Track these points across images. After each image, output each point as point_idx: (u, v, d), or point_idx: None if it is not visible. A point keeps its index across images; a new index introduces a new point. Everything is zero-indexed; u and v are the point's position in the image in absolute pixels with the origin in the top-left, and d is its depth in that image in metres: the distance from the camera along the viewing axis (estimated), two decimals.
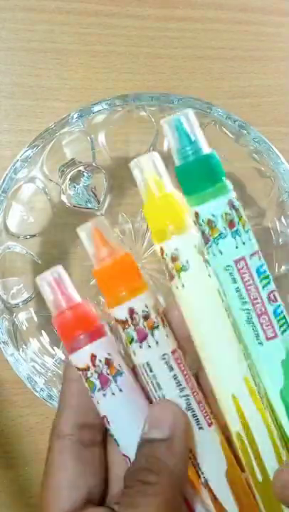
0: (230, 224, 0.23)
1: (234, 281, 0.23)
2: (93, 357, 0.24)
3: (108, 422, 0.25)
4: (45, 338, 0.39)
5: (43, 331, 0.39)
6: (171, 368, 0.24)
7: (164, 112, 0.38)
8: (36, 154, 0.37)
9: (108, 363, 0.24)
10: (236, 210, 0.23)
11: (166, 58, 0.43)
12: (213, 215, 0.23)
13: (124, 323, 0.24)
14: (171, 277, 0.24)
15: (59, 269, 0.26)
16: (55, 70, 0.42)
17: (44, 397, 0.36)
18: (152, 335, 0.24)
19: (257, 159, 0.38)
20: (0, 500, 0.40)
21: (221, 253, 0.23)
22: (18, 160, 0.36)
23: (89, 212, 0.40)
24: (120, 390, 0.24)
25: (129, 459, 0.24)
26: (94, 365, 0.24)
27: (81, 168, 0.38)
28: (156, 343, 0.24)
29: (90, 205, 0.39)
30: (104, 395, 0.24)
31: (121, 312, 0.24)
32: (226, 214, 0.23)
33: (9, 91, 0.42)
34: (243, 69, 0.44)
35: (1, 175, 0.36)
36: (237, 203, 0.23)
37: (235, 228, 0.23)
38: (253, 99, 0.44)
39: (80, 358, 0.24)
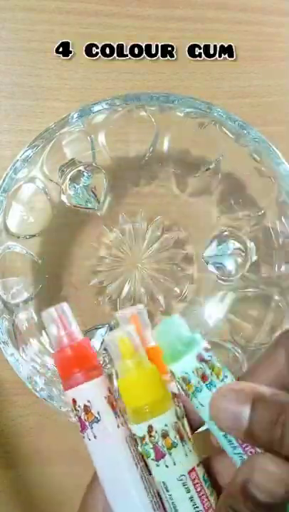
0: (203, 377, 0.24)
1: (188, 491, 0.24)
2: (74, 401, 0.25)
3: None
4: (45, 338, 0.39)
5: (43, 331, 0.39)
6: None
7: (164, 112, 0.38)
8: (36, 154, 0.37)
9: (86, 409, 0.25)
10: (206, 362, 0.24)
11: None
12: (186, 373, 0.24)
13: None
14: (163, 455, 0.24)
15: (64, 306, 0.26)
16: (55, 70, 0.42)
17: (44, 397, 0.36)
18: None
19: (257, 159, 0.38)
20: (0, 500, 0.40)
21: (175, 463, 0.24)
22: (18, 160, 0.36)
23: (89, 212, 0.40)
24: (95, 437, 0.25)
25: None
26: (75, 409, 0.25)
27: (81, 168, 0.38)
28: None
29: (90, 205, 0.39)
30: (83, 437, 0.25)
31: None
32: (196, 369, 0.24)
33: (9, 91, 0.42)
34: (243, 69, 0.44)
35: (1, 175, 0.36)
36: (206, 354, 0.24)
37: (208, 381, 0.24)
38: (253, 99, 0.44)
39: (67, 397, 0.25)
